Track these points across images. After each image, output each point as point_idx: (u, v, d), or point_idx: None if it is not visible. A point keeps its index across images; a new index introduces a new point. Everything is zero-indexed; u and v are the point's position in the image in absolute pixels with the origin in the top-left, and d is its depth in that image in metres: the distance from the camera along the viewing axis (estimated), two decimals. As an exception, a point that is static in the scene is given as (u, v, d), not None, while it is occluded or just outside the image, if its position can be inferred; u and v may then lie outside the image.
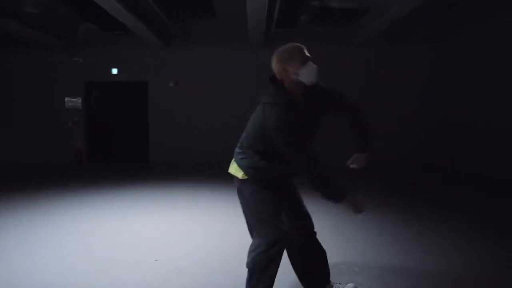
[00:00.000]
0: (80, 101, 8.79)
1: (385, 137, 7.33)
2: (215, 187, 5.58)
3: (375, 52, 8.33)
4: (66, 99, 8.78)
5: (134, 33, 7.60)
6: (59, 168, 8.02)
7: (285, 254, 2.02)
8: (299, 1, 5.93)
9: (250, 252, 1.99)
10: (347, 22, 6.68)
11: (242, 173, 1.99)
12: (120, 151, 8.96)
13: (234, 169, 2.04)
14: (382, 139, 7.90)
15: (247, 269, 1.98)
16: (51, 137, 8.68)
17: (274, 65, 1.94)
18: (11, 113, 8.70)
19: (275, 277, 1.96)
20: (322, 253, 2.18)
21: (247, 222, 2.10)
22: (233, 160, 2.08)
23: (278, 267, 1.96)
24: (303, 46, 1.94)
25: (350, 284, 2.27)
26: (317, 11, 6.29)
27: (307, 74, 1.89)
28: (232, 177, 2.08)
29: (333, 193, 1.86)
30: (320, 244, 2.18)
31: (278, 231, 1.92)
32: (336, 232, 3.41)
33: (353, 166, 2.10)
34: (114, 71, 8.72)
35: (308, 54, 1.93)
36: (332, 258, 2.33)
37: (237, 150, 2.08)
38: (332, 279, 2.23)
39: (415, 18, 7.03)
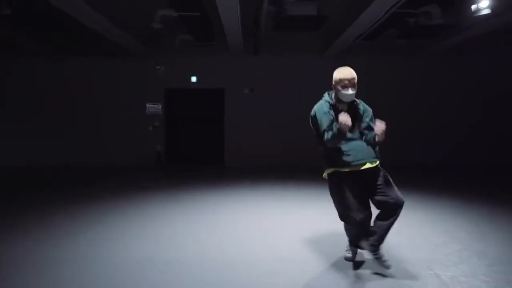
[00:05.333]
0: (160, 107, 9.31)
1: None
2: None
3: (445, 62, 8.96)
4: (147, 105, 9.30)
5: (218, 44, 8.17)
6: (144, 169, 8.54)
7: None
8: (397, 19, 6.44)
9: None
10: (432, 36, 7.20)
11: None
12: (197, 154, 9.46)
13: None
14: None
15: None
16: (133, 140, 9.21)
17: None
18: (98, 118, 9.20)
19: None
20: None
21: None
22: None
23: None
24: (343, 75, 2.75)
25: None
26: (410, 28, 6.81)
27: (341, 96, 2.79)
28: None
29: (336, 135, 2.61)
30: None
31: None
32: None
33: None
34: (193, 79, 9.25)
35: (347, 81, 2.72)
36: None
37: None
38: None
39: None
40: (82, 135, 9.16)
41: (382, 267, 2.75)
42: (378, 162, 2.77)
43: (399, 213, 2.68)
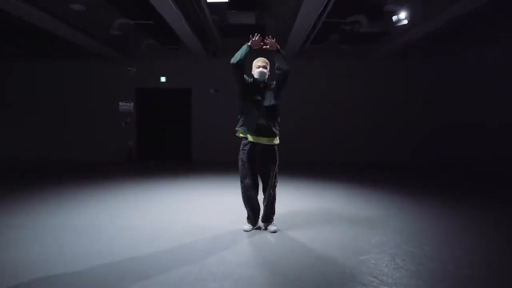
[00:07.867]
0: (132, 105, 10.07)
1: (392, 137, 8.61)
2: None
3: (390, 65, 9.64)
4: (120, 103, 10.06)
5: (184, 47, 8.89)
6: (117, 164, 9.30)
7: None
8: (333, 26, 7.15)
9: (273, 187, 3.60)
10: (370, 42, 7.91)
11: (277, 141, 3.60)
12: (166, 150, 10.22)
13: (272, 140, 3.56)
14: (388, 139, 9.29)
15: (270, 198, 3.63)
16: (107, 136, 9.98)
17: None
18: (72, 116, 9.99)
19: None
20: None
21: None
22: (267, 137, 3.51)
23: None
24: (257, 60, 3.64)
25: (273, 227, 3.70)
26: (347, 33, 7.53)
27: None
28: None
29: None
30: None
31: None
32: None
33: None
34: (163, 79, 10.00)
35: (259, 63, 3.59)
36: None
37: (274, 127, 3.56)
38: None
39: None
40: (58, 132, 9.96)
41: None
42: (275, 142, 3.57)
43: (274, 191, 3.63)
